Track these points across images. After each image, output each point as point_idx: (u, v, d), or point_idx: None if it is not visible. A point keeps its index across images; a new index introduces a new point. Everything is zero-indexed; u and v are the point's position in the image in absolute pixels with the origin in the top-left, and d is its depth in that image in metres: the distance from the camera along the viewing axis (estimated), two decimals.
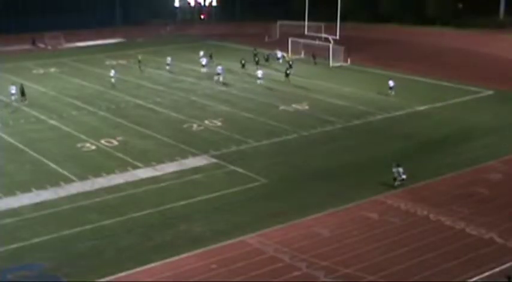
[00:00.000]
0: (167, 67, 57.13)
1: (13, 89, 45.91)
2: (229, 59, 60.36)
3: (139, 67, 58.12)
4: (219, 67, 52.11)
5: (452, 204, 26.69)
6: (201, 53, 59.60)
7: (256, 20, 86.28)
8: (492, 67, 58.00)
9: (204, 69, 55.14)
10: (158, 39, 79.02)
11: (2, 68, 58.61)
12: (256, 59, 58.32)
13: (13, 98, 45.61)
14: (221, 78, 51.30)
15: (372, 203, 27.05)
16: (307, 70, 56.73)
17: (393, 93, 46.03)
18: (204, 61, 56.21)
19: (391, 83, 46.38)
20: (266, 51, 62.31)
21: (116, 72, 52.40)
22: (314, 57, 59.49)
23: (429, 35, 74.90)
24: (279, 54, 60.87)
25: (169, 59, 57.96)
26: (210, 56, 60.98)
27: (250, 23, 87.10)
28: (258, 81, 50.48)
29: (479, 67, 58.30)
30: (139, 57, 59.61)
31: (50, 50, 73.41)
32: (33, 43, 74.99)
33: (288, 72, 51.56)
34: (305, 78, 52.83)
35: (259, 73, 51.15)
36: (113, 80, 51.25)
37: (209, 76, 53.32)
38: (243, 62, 56.82)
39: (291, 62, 55.82)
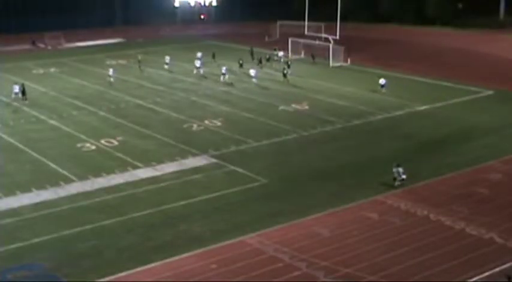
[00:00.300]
0: (166, 66, 57.14)
1: (16, 88, 46.01)
2: (229, 59, 60.34)
3: (140, 67, 58.13)
4: (224, 67, 52.24)
5: (452, 204, 26.68)
6: (199, 54, 59.39)
7: (256, 20, 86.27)
8: (492, 67, 57.99)
9: (200, 71, 54.54)
10: (158, 39, 79.02)
11: (2, 68, 58.61)
12: (259, 58, 58.46)
13: (14, 96, 45.68)
14: (224, 78, 51.32)
15: (372, 203, 27.04)
16: (307, 70, 56.73)
17: (384, 90, 46.71)
18: (198, 63, 55.40)
19: (382, 81, 47.29)
20: (267, 51, 62.31)
21: (114, 71, 52.53)
22: (313, 57, 59.58)
23: (429, 35, 74.94)
24: (280, 53, 60.99)
25: (167, 58, 57.93)
26: (213, 56, 61.20)
27: (250, 23, 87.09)
28: (254, 80, 50.52)
29: (479, 67, 58.29)
30: (139, 57, 59.65)
31: (50, 50, 73.43)
32: (33, 43, 74.97)
33: (285, 72, 51.55)
34: (305, 78, 52.83)
35: (252, 72, 51.20)
36: (112, 79, 51.42)
37: (200, 78, 53.34)
38: (240, 62, 56.81)
39: (289, 62, 55.85)
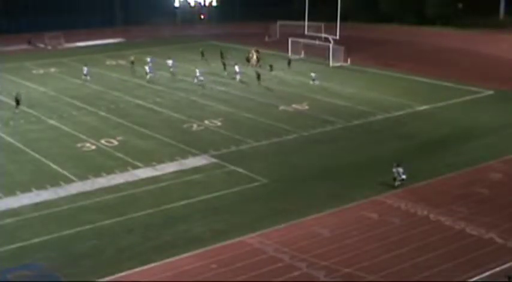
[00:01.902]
0: (171, 69, 55.87)
1: None
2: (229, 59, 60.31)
3: (132, 68, 57.08)
4: (237, 66, 52.48)
5: (452, 204, 26.68)
6: (149, 59, 57.40)
7: (256, 20, 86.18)
8: (492, 67, 57.97)
9: (148, 76, 52.99)
10: (158, 40, 78.96)
11: (2, 68, 58.61)
12: (247, 56, 58.58)
13: None
14: (239, 77, 51.58)
15: (372, 203, 27.04)
16: (307, 70, 56.64)
17: (316, 82, 49.99)
18: (148, 68, 53.53)
19: (313, 75, 50.74)
20: (266, 52, 62.31)
21: (88, 69, 52.85)
22: (289, 62, 58.22)
23: (429, 35, 74.89)
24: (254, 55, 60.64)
25: (170, 62, 56.76)
26: (202, 54, 61.01)
27: (250, 23, 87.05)
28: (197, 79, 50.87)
29: (479, 67, 58.26)
30: (132, 58, 58.63)
31: (50, 50, 73.42)
32: (29, 42, 74.85)
33: (259, 74, 51.21)
34: (305, 78, 52.80)
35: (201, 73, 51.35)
36: (88, 77, 51.90)
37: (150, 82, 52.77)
38: (224, 62, 56.43)
39: (272, 65, 55.73)
